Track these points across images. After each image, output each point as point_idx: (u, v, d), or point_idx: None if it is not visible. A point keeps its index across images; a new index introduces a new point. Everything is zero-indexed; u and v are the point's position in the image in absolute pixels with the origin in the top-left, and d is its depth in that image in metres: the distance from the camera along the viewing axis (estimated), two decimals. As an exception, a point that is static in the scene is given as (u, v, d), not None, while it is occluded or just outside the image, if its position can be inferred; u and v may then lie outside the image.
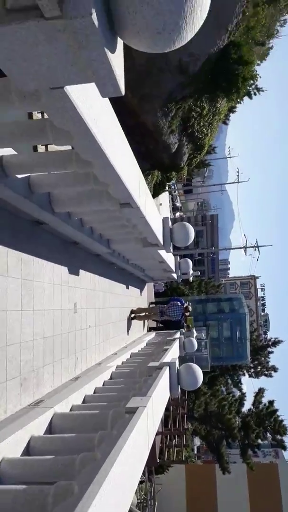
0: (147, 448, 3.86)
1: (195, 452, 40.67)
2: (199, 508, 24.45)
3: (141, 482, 16.23)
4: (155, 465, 14.81)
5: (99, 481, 2.29)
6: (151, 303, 15.45)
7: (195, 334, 12.84)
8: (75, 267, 6.17)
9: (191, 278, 13.00)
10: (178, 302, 12.06)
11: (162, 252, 8.41)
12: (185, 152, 18.80)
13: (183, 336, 10.62)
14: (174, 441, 17.73)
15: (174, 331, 13.26)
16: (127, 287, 10.87)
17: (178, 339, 9.79)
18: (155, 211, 6.44)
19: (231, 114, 38.70)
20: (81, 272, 6.51)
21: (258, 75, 19.65)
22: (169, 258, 9.74)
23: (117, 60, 1.76)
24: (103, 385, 6.35)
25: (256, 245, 42.62)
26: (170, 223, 7.57)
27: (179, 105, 15.51)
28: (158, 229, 6.71)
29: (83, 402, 5.27)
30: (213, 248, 42.59)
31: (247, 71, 16.44)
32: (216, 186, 76.78)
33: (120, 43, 1.80)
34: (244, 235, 44.13)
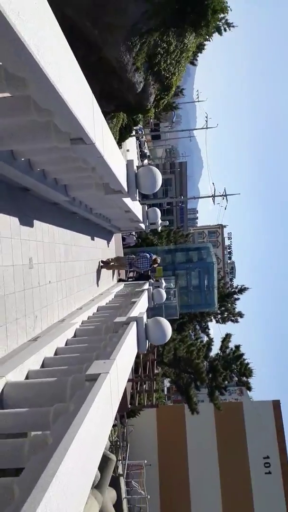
0: (111, 417, 3.57)
1: (165, 392, 42.44)
2: (170, 446, 25.77)
3: (113, 426, 16.66)
4: (126, 411, 15.11)
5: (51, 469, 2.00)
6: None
7: (164, 284, 12.58)
8: (28, 217, 5.47)
9: (159, 228, 12.49)
10: (147, 254, 11.97)
11: (128, 200, 7.75)
12: (152, 93, 17.58)
13: (151, 287, 10.29)
14: (144, 386, 18.12)
15: (143, 281, 12.94)
16: (93, 239, 10.25)
17: (146, 291, 9.42)
18: (117, 152, 5.67)
19: (199, 54, 36.74)
20: (36, 223, 5.81)
21: (229, 7, 18.16)
22: (136, 207, 9.12)
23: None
24: (66, 344, 5.94)
25: (224, 193, 42.30)
26: (135, 167, 6.68)
27: (144, 39, 14.17)
28: (121, 173, 5.97)
29: (42, 366, 4.85)
30: (182, 197, 42.04)
31: (217, 2, 15.12)
32: (185, 132, 74.74)
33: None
34: (213, 183, 43.65)
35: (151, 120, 69.34)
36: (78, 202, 7.64)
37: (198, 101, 65.34)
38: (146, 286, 10.80)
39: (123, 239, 16.13)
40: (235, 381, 23.70)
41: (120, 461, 16.38)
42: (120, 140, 26.35)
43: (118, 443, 17.14)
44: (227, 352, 22.67)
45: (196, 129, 54.63)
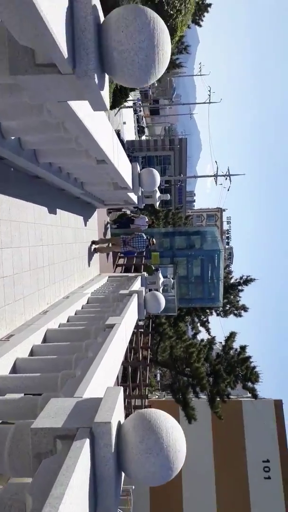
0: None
1: (158, 378, 39.54)
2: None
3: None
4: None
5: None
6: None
7: (161, 280, 9.38)
8: None
9: (157, 204, 9.21)
10: (143, 234, 11.29)
11: (109, 153, 4.72)
12: (153, 35, 14.03)
13: (144, 287, 7.15)
14: (135, 391, 15.18)
15: (134, 274, 9.73)
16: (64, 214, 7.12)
17: (136, 295, 6.37)
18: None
19: (205, 14, 32.58)
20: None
21: None
22: (122, 165, 5.96)
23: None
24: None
25: (228, 173, 38.81)
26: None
27: None
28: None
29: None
30: (181, 176, 38.54)
31: None
32: (185, 108, 70.74)
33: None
34: (216, 161, 40.08)
35: (150, 93, 65.34)
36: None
37: (201, 75, 61.41)
38: (137, 284, 7.64)
39: (131, 220, 12.62)
40: (239, 386, 20.82)
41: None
42: (113, 105, 22.85)
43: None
44: (231, 354, 19.68)
45: (198, 103, 50.93)
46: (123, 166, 6.13)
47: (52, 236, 5.85)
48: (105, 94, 2.52)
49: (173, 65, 22.56)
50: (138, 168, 7.73)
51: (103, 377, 3.24)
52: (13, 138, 4.28)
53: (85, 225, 8.54)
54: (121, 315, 5.03)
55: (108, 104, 2.59)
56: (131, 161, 7.54)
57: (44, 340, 4.87)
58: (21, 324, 4.69)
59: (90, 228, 8.99)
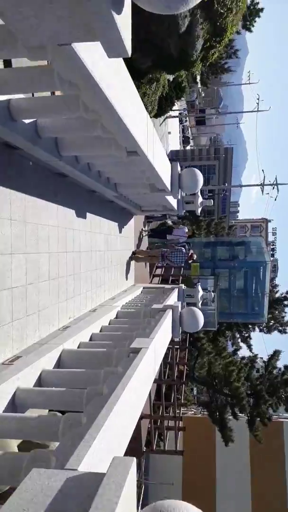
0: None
1: (195, 392, 37.90)
2: (197, 464, 22.46)
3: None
4: (139, 456, 11.36)
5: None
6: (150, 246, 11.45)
7: (200, 292, 8.60)
8: None
9: (199, 210, 8.44)
10: (183, 248, 10.78)
11: (140, 139, 4.03)
12: (199, 35, 13.37)
13: (180, 302, 6.37)
14: (169, 409, 14.30)
15: (171, 286, 9.04)
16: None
17: (170, 311, 5.63)
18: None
19: (256, 19, 31.65)
20: None
21: None
22: (158, 160, 5.17)
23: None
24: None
25: (275, 182, 37.22)
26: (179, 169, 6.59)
27: None
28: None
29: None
30: (226, 185, 37.46)
31: None
32: (231, 119, 69.43)
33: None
34: (263, 170, 38.62)
35: (197, 103, 64.77)
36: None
37: (250, 83, 60.24)
38: (173, 298, 6.92)
39: (170, 230, 11.93)
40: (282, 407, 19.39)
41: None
42: (159, 113, 22.38)
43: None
44: (274, 374, 18.36)
45: (246, 111, 49.63)
46: (160, 163, 5.30)
47: (79, 242, 5.27)
48: (124, 26, 1.79)
49: (222, 69, 21.65)
50: (179, 168, 6.93)
51: (112, 437, 2.41)
52: (26, 121, 3.58)
53: (120, 232, 7.95)
54: (150, 336, 4.31)
55: (129, 48, 1.78)
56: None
57: (58, 363, 4.14)
58: (34, 342, 4.08)
59: (125, 235, 8.39)
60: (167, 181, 6.00)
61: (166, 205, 8.00)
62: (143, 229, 9.90)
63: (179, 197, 6.94)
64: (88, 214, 5.63)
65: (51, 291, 4.37)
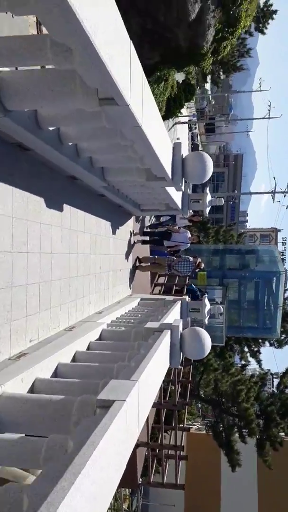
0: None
1: (199, 406, 36.05)
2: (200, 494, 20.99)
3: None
4: (134, 487, 10.06)
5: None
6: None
7: (207, 306, 7.37)
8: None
9: (207, 210, 7.25)
10: (190, 257, 10.24)
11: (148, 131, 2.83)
12: (211, 24, 12.30)
13: (182, 320, 5.13)
14: (169, 434, 12.94)
15: (173, 298, 7.82)
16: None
17: (168, 333, 4.39)
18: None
19: (269, 21, 30.76)
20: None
21: None
22: (153, 129, 3.62)
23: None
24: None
25: (286, 190, 35.93)
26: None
27: None
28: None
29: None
30: (235, 192, 36.29)
31: None
32: (241, 127, 68.50)
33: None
34: (274, 177, 37.41)
35: (207, 110, 64.06)
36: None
37: (261, 91, 59.43)
38: (174, 313, 5.68)
39: (168, 235, 10.52)
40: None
41: None
42: (166, 115, 21.35)
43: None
44: (287, 393, 16.99)
45: (257, 118, 48.61)
46: (156, 134, 3.87)
47: (50, 240, 4.03)
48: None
49: (234, 67, 20.55)
50: (182, 150, 5.35)
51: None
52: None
53: (114, 233, 6.78)
54: (137, 371, 2.92)
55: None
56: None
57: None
58: None
59: (120, 238, 7.21)
60: (167, 164, 4.62)
61: (168, 202, 6.81)
62: (133, 231, 8.36)
63: (183, 188, 5.40)
64: (66, 206, 4.43)
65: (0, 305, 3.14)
